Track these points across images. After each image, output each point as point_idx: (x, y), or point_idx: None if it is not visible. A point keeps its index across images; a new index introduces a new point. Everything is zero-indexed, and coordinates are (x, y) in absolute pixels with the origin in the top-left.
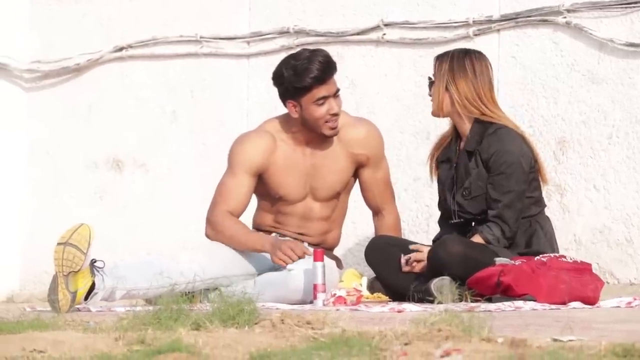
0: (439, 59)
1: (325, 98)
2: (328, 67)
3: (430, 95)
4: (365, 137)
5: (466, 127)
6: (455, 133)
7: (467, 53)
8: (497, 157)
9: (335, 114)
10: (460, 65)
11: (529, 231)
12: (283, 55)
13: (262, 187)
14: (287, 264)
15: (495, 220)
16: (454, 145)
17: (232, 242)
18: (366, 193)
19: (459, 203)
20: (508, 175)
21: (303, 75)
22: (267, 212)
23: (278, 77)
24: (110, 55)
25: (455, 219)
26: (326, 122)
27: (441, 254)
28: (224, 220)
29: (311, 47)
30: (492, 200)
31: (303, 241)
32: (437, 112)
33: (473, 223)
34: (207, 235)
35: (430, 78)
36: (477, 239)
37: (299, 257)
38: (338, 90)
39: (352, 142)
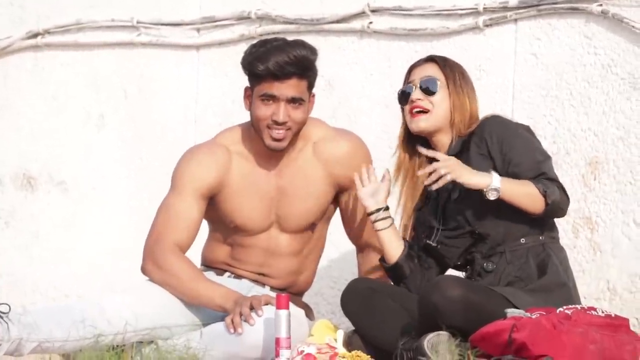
0: (438, 59)
1: (273, 98)
2: (290, 65)
3: (429, 104)
4: (347, 154)
5: (446, 140)
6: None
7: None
8: (499, 124)
9: (280, 123)
10: (460, 70)
11: (542, 256)
12: (242, 46)
13: (214, 212)
14: (235, 330)
15: (544, 177)
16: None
17: (178, 286)
18: (348, 224)
19: (454, 212)
20: (522, 133)
21: (257, 61)
22: (220, 245)
23: (243, 53)
24: (22, 43)
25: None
26: (268, 127)
27: (435, 299)
28: (169, 256)
29: (279, 37)
30: (520, 167)
31: (264, 284)
32: (439, 125)
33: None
34: (145, 271)
35: (424, 85)
36: (526, 185)
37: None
38: (298, 100)
39: (331, 159)
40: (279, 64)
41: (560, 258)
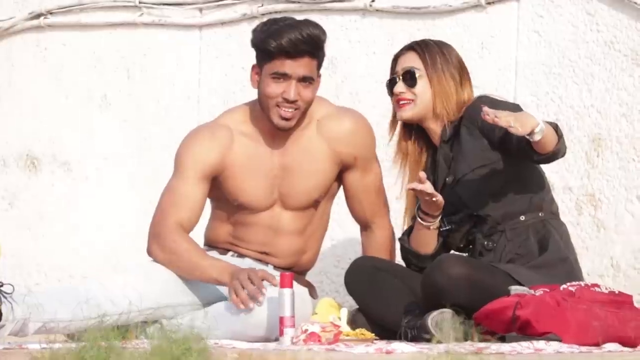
0: (417, 47)
1: (284, 76)
2: (303, 43)
3: (412, 95)
4: (351, 132)
5: (437, 127)
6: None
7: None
8: (488, 103)
9: (291, 102)
10: (442, 53)
11: (542, 232)
12: (244, 26)
13: (218, 191)
14: (245, 306)
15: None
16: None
17: (183, 264)
18: (352, 202)
19: (451, 197)
20: (511, 106)
21: (270, 38)
22: (223, 224)
23: (252, 32)
24: (25, 24)
25: (445, 226)
26: (277, 105)
27: (438, 278)
28: (175, 235)
29: (281, 16)
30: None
31: (268, 263)
32: (424, 113)
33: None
34: (151, 252)
35: (405, 77)
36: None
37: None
38: (309, 78)
39: (334, 138)
40: (293, 42)
41: (560, 233)
